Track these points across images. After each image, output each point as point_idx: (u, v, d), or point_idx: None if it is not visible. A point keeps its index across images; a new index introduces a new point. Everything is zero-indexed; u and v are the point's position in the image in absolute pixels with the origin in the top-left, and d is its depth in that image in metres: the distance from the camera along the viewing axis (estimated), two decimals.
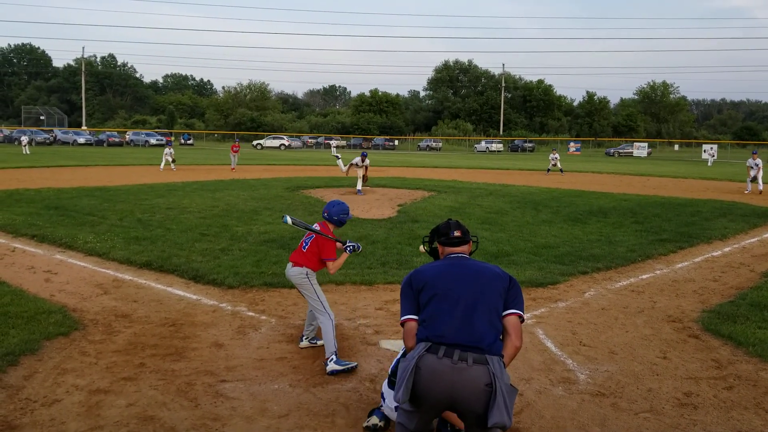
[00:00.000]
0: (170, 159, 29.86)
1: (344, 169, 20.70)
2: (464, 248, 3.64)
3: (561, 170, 32.74)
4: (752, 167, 22.81)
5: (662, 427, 4.42)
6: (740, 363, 5.63)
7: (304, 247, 5.57)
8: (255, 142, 71.67)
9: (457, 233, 3.62)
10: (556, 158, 34.04)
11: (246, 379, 5.12)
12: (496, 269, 3.47)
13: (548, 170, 33.15)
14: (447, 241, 3.62)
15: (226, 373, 5.22)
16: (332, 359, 5.30)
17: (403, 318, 3.46)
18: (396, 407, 3.52)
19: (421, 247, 3.99)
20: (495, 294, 3.32)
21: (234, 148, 31.88)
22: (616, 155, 72.10)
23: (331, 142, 66.45)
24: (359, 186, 19.94)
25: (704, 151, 62.49)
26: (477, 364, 3.08)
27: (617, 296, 7.86)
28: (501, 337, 3.33)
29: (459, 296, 3.29)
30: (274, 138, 78.24)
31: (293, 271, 5.55)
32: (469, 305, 3.25)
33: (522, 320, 3.40)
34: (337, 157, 20.40)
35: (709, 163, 49.84)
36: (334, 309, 7.01)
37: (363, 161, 20.26)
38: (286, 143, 76.17)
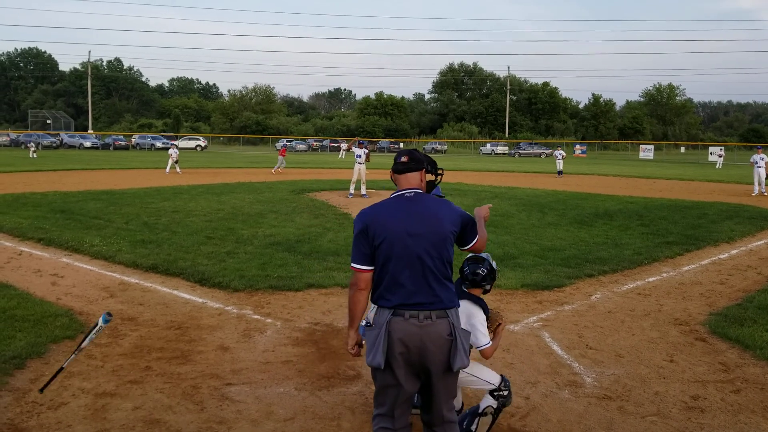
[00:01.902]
0: (175, 160, 30.01)
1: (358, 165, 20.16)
2: (414, 176, 3.49)
3: (560, 171, 32.35)
4: (756, 162, 22.73)
5: (669, 430, 4.40)
6: (748, 366, 5.60)
7: None
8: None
9: (403, 159, 3.49)
10: (562, 154, 33.16)
11: (251, 382, 5.12)
12: (450, 213, 3.39)
13: (559, 172, 32.64)
14: (395, 168, 3.52)
15: (232, 376, 5.23)
16: None
17: (356, 267, 3.41)
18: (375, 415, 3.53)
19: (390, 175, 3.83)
20: (449, 245, 3.38)
21: (282, 152, 35.10)
22: (517, 155, 71.69)
23: (342, 145, 66.35)
24: (363, 190, 19.84)
25: (711, 153, 61.91)
26: (440, 319, 3.32)
27: (624, 299, 7.84)
28: (452, 282, 3.47)
29: (416, 256, 3.30)
30: (189, 139, 75.62)
31: None
32: (426, 266, 3.31)
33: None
34: (358, 157, 19.92)
35: (718, 165, 49.07)
36: (339, 311, 7.04)
37: (361, 148, 20.02)
38: (203, 144, 74.17)
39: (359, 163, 19.73)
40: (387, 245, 3.32)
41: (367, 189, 20.07)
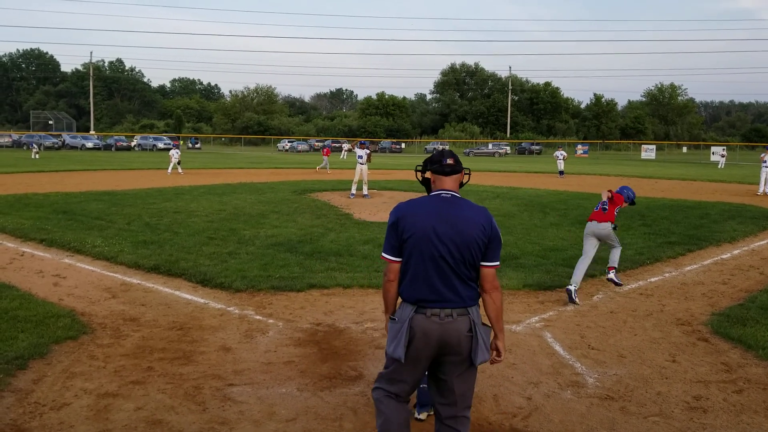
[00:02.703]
0: (177, 161, 30.03)
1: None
2: (455, 178, 3.60)
3: (561, 172, 32.29)
4: (766, 161, 22.64)
5: (671, 431, 4.39)
6: (750, 366, 5.60)
7: (605, 210, 8.03)
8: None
9: (449, 161, 3.58)
10: (563, 155, 32.85)
11: (253, 383, 5.12)
12: (481, 220, 3.46)
13: (561, 172, 32.48)
14: (439, 169, 3.58)
15: (234, 376, 5.23)
16: (612, 272, 8.31)
17: (386, 257, 3.53)
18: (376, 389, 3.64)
19: (417, 175, 3.90)
20: (476, 250, 3.43)
21: (326, 152, 36.46)
22: (471, 155, 72.83)
23: (343, 145, 66.23)
24: (365, 190, 19.80)
25: (713, 153, 61.60)
26: (460, 316, 3.41)
27: (626, 299, 7.83)
28: (477, 283, 3.55)
29: (439, 255, 3.39)
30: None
31: (601, 226, 7.97)
32: (450, 266, 3.40)
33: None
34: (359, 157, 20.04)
35: (720, 165, 48.78)
36: (341, 312, 7.04)
37: (363, 149, 20.02)
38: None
39: (361, 164, 19.74)
40: (414, 241, 3.42)
41: (369, 189, 20.07)
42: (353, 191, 19.73)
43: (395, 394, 3.55)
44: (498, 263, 3.52)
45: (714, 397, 4.93)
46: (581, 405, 4.79)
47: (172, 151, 31.12)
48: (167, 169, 30.48)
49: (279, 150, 78.07)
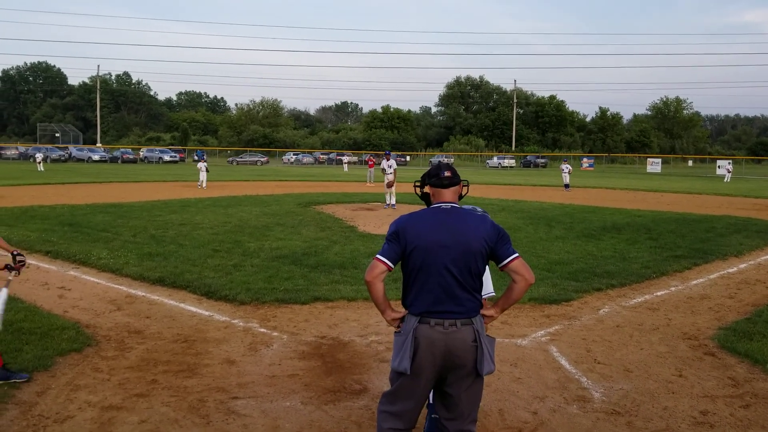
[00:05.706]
0: (204, 175, 29.13)
1: (370, 182, 20.84)
2: (455, 190, 3.60)
3: (567, 185, 32.24)
4: None
5: None
6: (757, 381, 5.55)
7: None
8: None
9: (447, 173, 3.59)
10: (568, 168, 32.82)
11: (258, 396, 5.10)
12: (485, 228, 3.46)
13: (566, 186, 32.41)
14: (438, 182, 3.59)
15: (238, 389, 5.21)
16: None
17: (381, 258, 3.47)
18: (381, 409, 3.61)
19: (416, 190, 3.90)
20: (481, 260, 3.45)
21: (370, 162, 37.22)
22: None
23: (343, 158, 66.33)
24: (393, 200, 19.97)
25: (719, 166, 61.44)
26: (464, 326, 3.42)
27: (632, 313, 7.79)
28: (480, 294, 3.56)
29: (444, 267, 3.40)
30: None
31: None
32: (454, 277, 3.41)
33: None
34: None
35: (726, 179, 48.63)
36: (346, 325, 7.02)
37: (388, 161, 20.38)
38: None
39: (388, 174, 20.20)
40: (418, 253, 3.42)
41: (388, 202, 20.43)
42: (387, 201, 20.23)
43: (398, 418, 3.50)
44: (516, 254, 3.48)
45: (721, 412, 4.89)
46: (587, 420, 4.75)
47: (200, 164, 29.89)
48: (199, 184, 29.19)
49: (284, 163, 78.18)
